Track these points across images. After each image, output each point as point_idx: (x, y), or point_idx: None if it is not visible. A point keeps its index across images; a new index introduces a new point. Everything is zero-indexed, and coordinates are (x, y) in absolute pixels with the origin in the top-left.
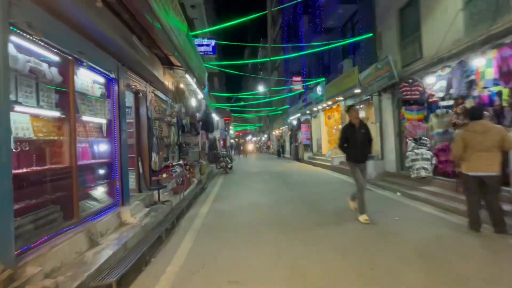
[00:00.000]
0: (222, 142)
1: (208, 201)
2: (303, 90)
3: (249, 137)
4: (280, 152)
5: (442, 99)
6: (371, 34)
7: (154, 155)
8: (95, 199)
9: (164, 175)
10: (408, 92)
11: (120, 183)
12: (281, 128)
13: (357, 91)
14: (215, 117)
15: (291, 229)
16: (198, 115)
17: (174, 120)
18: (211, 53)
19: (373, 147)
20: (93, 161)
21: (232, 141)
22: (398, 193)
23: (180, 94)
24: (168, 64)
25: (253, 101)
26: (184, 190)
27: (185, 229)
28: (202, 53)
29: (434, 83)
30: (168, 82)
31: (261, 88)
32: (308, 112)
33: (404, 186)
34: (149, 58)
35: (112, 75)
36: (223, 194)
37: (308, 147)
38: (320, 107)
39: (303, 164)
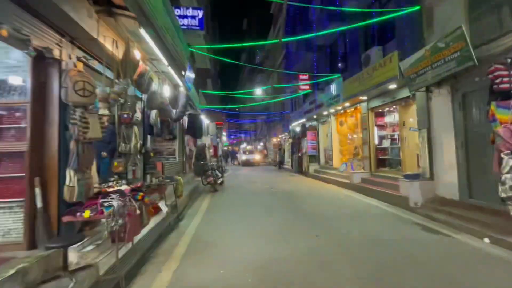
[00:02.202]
0: (212, 150)
1: (175, 256)
2: (310, 90)
3: (244, 145)
4: (281, 163)
5: None
6: (417, 7)
7: (70, 173)
8: None
9: (87, 213)
10: (505, 79)
11: None
12: (279, 136)
13: (393, 86)
14: (205, 120)
15: None
16: (175, 112)
17: (139, 116)
18: (198, 27)
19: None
20: None
21: (225, 148)
22: (486, 240)
23: (130, 64)
24: (106, 5)
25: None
26: (129, 240)
27: None
28: (186, 27)
29: None
30: (108, 42)
31: (259, 91)
32: (315, 117)
33: (488, 225)
34: None
35: None
36: (205, 236)
37: (314, 158)
38: (332, 110)
39: (310, 180)
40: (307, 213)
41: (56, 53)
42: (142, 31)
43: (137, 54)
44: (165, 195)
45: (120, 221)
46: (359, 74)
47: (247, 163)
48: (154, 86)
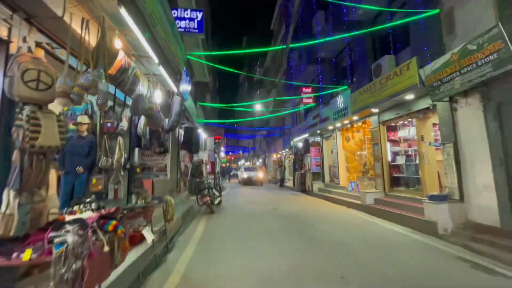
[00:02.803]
0: (209, 167)
1: None
2: (314, 104)
3: (242, 161)
4: (282, 181)
5: None
6: (436, 11)
7: (8, 195)
8: None
9: (28, 254)
10: None
11: None
12: (280, 152)
13: (410, 97)
14: (203, 134)
15: None
16: (167, 121)
17: (125, 126)
18: (196, 30)
19: None
20: None
21: (223, 165)
22: None
23: (105, 53)
24: None
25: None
26: None
27: None
28: (183, 30)
29: None
30: (76, 23)
31: (259, 105)
32: (318, 132)
33: None
34: None
35: None
36: (198, 275)
37: (318, 175)
38: (338, 124)
39: (315, 199)
40: (322, 242)
41: (2, 31)
42: (124, 13)
43: (117, 43)
44: (152, 219)
45: (75, 266)
46: (369, 84)
47: (249, 182)
48: (141, 88)
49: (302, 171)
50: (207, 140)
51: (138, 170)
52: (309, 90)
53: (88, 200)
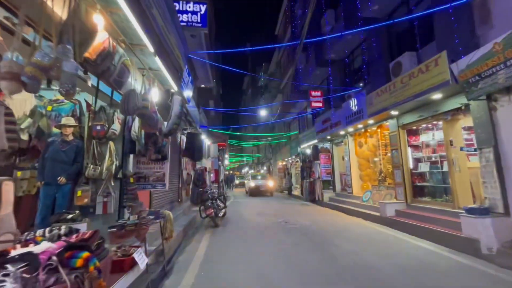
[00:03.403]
0: (213, 175)
1: None
2: (323, 108)
3: (246, 169)
4: (290, 189)
5: None
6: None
7: None
8: None
9: None
10: None
11: None
12: (285, 160)
13: (437, 96)
14: (206, 141)
15: None
16: (165, 124)
17: (117, 129)
18: (200, 25)
19: None
20: None
21: (226, 173)
22: None
23: (79, 29)
24: None
25: (254, 124)
26: None
27: None
28: (185, 24)
29: None
30: None
31: (263, 113)
32: (329, 137)
33: None
34: None
35: None
36: None
37: (328, 184)
38: (351, 129)
39: (326, 210)
40: (347, 266)
41: None
42: None
43: (98, 21)
44: (146, 238)
45: None
46: (389, 84)
47: (257, 192)
48: (134, 83)
49: (311, 179)
50: (210, 147)
51: (131, 180)
52: (318, 93)
53: (70, 216)
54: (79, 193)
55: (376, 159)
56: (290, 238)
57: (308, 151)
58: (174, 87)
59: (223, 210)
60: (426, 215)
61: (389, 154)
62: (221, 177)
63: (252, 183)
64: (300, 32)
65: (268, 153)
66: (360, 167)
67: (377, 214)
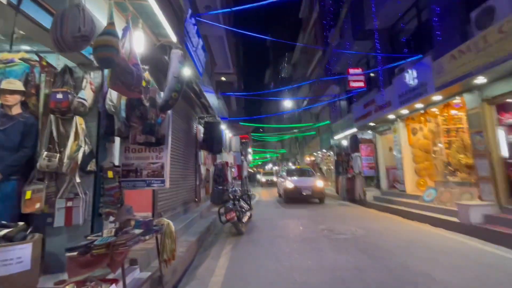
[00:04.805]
0: (235, 171)
1: None
2: (365, 88)
3: (269, 165)
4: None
5: None
6: None
7: None
8: None
9: None
10: None
11: None
12: (314, 154)
13: None
14: (227, 133)
15: None
16: (161, 94)
17: (87, 99)
18: None
19: None
20: None
21: (250, 170)
22: None
23: None
24: None
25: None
26: None
27: None
28: None
29: None
30: None
31: (288, 104)
32: (372, 124)
33: None
34: None
35: None
36: None
37: (371, 180)
38: (404, 111)
39: (374, 212)
40: None
41: None
42: None
43: None
44: (124, 265)
45: None
46: (474, 40)
47: (298, 196)
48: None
49: (349, 175)
50: (232, 140)
51: (110, 174)
52: (359, 70)
53: (3, 232)
54: (28, 194)
55: (436, 148)
56: (344, 257)
57: (345, 143)
58: (172, 37)
59: (248, 213)
60: None
61: (456, 142)
62: (245, 173)
63: (289, 184)
64: (329, 7)
65: (294, 148)
66: (415, 159)
67: (453, 219)
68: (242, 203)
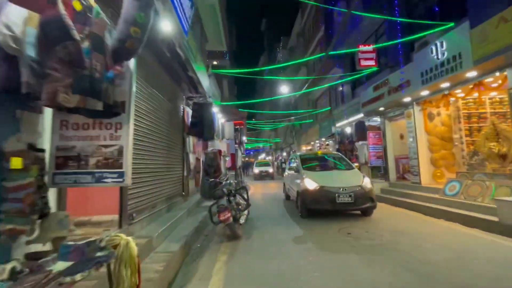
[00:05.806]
0: (229, 160)
1: None
2: (375, 68)
3: (263, 155)
4: None
5: None
6: None
7: None
8: None
9: None
10: None
11: None
12: (311, 143)
13: None
14: (218, 117)
15: None
16: (113, 34)
17: None
18: None
19: None
20: None
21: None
22: None
23: None
24: None
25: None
26: None
27: None
28: None
29: None
30: None
31: (284, 89)
32: (382, 109)
33: None
34: None
35: None
36: None
37: (378, 171)
38: (425, 92)
39: (385, 207)
40: None
41: None
42: None
43: None
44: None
45: None
46: None
47: (325, 205)
48: None
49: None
50: (225, 126)
51: (16, 162)
52: (369, 47)
53: None
54: None
55: (456, 135)
56: (381, 276)
57: (349, 130)
58: None
59: (245, 212)
60: None
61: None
62: (239, 163)
63: (309, 183)
64: None
65: (289, 137)
66: (431, 148)
67: (491, 218)
68: (239, 198)
